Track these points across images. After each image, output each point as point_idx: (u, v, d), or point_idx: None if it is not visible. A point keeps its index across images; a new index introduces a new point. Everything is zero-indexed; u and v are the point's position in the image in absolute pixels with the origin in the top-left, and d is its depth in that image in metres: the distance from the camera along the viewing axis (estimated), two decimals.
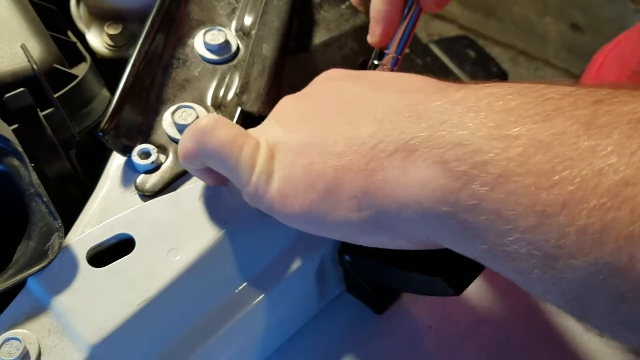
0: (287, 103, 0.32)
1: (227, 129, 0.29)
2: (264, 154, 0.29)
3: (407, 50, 0.40)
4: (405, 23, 0.36)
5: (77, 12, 0.45)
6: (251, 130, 0.31)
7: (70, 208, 0.33)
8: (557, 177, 0.20)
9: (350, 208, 0.26)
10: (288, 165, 0.28)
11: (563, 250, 0.20)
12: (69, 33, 0.41)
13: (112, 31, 0.42)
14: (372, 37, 0.36)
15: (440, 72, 0.86)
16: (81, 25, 0.44)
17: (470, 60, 0.87)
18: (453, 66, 0.86)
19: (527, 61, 1.64)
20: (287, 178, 0.28)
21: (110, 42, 0.42)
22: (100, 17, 0.43)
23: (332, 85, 0.31)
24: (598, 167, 0.19)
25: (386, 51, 0.36)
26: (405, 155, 0.24)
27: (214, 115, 0.32)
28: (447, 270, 0.30)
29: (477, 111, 0.23)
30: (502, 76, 0.90)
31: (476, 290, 0.38)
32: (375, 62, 0.36)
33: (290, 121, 0.30)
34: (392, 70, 0.36)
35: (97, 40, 0.42)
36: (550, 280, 0.21)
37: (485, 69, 0.89)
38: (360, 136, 0.26)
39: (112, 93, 0.39)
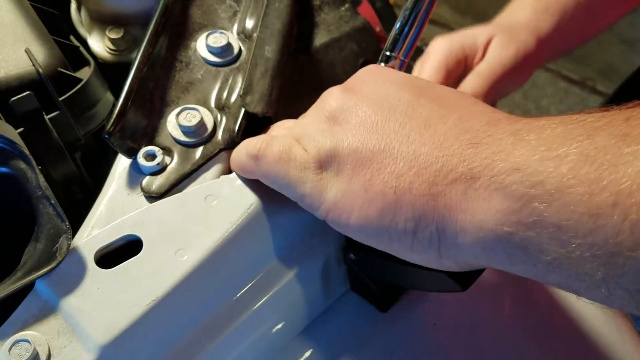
0: (336, 102, 0.31)
1: (274, 148, 0.31)
2: (312, 165, 0.30)
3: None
4: (413, 27, 0.37)
5: (77, 18, 0.45)
6: (299, 131, 0.31)
7: (76, 211, 0.34)
8: (605, 182, 0.22)
9: (406, 227, 0.28)
10: (345, 179, 0.29)
11: (622, 246, 0.22)
12: (72, 38, 0.41)
13: (113, 35, 0.42)
14: None
15: None
16: (82, 30, 0.44)
17: None
18: None
19: None
20: (343, 192, 0.29)
21: (111, 46, 0.42)
22: (102, 21, 0.43)
23: (383, 89, 0.30)
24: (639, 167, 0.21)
25: (393, 54, 0.36)
26: (467, 183, 0.26)
27: (265, 136, 0.33)
28: None
29: (529, 140, 0.25)
30: None
31: (481, 287, 0.38)
32: (382, 64, 0.37)
33: (343, 127, 0.30)
34: (404, 61, 0.37)
35: (99, 44, 0.42)
36: (614, 279, 0.22)
37: None
38: (420, 157, 0.27)
39: (115, 96, 0.40)
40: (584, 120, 0.25)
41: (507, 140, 0.26)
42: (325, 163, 0.30)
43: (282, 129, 0.35)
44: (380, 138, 0.29)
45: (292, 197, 0.32)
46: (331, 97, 0.32)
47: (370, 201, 0.28)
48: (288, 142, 0.31)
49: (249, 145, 0.33)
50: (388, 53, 0.36)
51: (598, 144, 0.23)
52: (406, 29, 0.36)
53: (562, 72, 1.63)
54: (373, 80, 0.32)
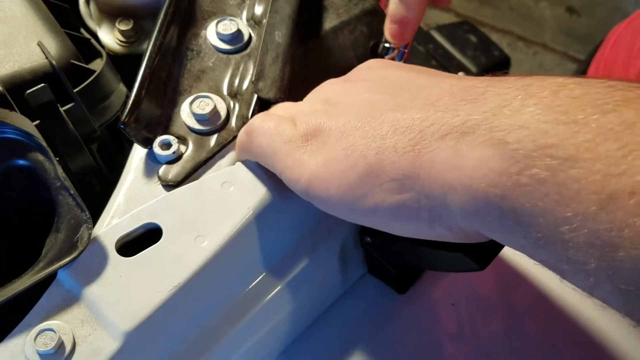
0: (333, 87, 0.31)
1: (266, 122, 0.31)
2: (299, 140, 0.29)
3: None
4: None
5: (86, 11, 0.45)
6: (295, 110, 0.31)
7: (94, 202, 0.34)
8: (626, 166, 0.19)
9: (390, 190, 0.25)
10: (327, 149, 0.28)
11: (625, 241, 0.19)
12: (82, 30, 0.41)
13: (123, 27, 0.42)
14: (391, 38, 0.37)
15: (443, 58, 0.87)
16: (91, 23, 0.44)
17: (472, 45, 0.88)
18: (455, 52, 0.87)
19: (526, 46, 1.64)
20: (325, 161, 0.28)
21: (121, 38, 0.42)
22: (111, 14, 0.43)
23: (379, 72, 0.31)
24: None
25: (392, 45, 0.37)
26: (458, 137, 0.23)
27: (261, 114, 0.33)
28: (469, 245, 0.30)
29: (542, 97, 0.22)
30: (504, 60, 0.90)
31: (499, 265, 0.38)
32: (387, 45, 0.37)
33: (336, 107, 0.29)
34: (404, 51, 0.37)
35: (109, 36, 0.43)
36: (606, 271, 0.20)
37: (487, 54, 0.89)
38: (409, 118, 0.25)
39: (128, 88, 0.40)
40: (613, 87, 0.21)
41: (514, 95, 0.23)
42: (312, 137, 0.29)
43: (282, 109, 0.34)
44: (370, 110, 0.27)
45: (275, 171, 0.31)
46: (329, 84, 0.32)
47: (351, 166, 0.26)
48: (280, 118, 0.31)
49: (245, 125, 0.33)
50: (387, 45, 0.37)
51: (627, 118, 0.20)
52: None
53: (569, 52, 1.62)
54: (371, 68, 0.31)
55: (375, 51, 0.41)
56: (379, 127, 0.26)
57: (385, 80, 0.29)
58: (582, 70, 0.76)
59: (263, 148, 0.31)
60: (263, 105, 0.36)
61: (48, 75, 0.34)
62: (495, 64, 0.88)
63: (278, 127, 0.30)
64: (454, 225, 0.25)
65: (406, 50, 0.37)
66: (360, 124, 0.27)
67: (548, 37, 1.66)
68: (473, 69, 0.86)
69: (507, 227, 0.23)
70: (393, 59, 0.37)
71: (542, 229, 0.21)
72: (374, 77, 0.30)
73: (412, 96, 0.27)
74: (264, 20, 0.39)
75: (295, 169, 0.29)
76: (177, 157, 0.34)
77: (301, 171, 0.28)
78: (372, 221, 0.28)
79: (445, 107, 0.25)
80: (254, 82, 0.36)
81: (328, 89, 0.31)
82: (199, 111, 0.35)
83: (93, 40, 0.39)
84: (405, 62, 0.38)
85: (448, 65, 0.87)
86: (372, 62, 0.33)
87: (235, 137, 0.36)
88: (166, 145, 0.34)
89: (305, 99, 0.33)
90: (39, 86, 0.33)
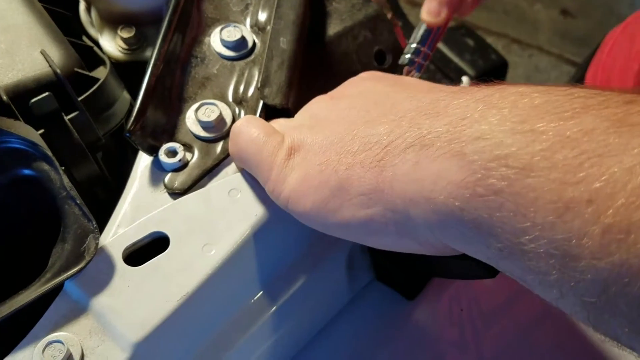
0: (319, 104, 0.32)
1: (253, 128, 0.31)
2: (283, 153, 0.29)
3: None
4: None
5: (87, 19, 0.45)
6: (282, 126, 0.32)
7: (100, 211, 0.33)
8: (583, 174, 0.19)
9: (359, 205, 0.26)
10: (305, 164, 0.28)
11: (585, 251, 0.19)
12: (84, 38, 0.41)
13: (125, 34, 0.42)
14: (435, 18, 0.37)
15: (440, 62, 0.87)
16: (93, 31, 0.44)
17: (469, 49, 0.88)
18: (453, 55, 0.87)
19: (521, 49, 1.65)
20: (302, 177, 0.28)
21: (124, 46, 0.42)
22: (113, 21, 0.43)
23: (363, 85, 0.32)
24: (628, 165, 0.18)
25: (418, 46, 0.38)
26: (418, 150, 0.24)
27: (247, 116, 0.33)
28: None
29: (501, 107, 0.22)
30: (502, 63, 0.90)
31: None
32: (413, 45, 0.38)
33: (320, 123, 0.30)
34: (423, 64, 0.38)
35: (111, 44, 0.42)
36: (569, 282, 0.19)
37: (485, 57, 0.90)
38: (377, 134, 0.26)
39: (132, 95, 0.39)
40: (572, 94, 0.21)
41: (475, 107, 0.23)
42: (295, 151, 0.29)
43: (276, 124, 0.34)
44: (346, 126, 0.28)
45: (260, 181, 0.31)
46: (317, 100, 0.33)
47: (324, 181, 0.27)
48: (269, 128, 0.31)
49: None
50: (414, 45, 0.38)
51: (585, 125, 0.20)
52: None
53: (564, 55, 1.63)
54: (355, 83, 0.32)
55: (379, 57, 0.41)
56: (351, 143, 0.27)
57: (364, 95, 0.30)
58: (580, 75, 0.76)
59: (248, 156, 0.31)
60: (269, 111, 0.36)
61: (52, 84, 0.34)
62: (492, 67, 0.88)
63: (266, 137, 0.30)
64: (421, 238, 0.25)
65: (425, 63, 0.38)
66: (336, 140, 0.28)
67: (543, 39, 1.66)
68: (471, 72, 0.86)
69: (470, 239, 0.23)
70: (412, 68, 0.38)
71: (502, 240, 0.21)
72: (356, 92, 0.31)
73: (385, 111, 0.28)
74: (269, 27, 0.38)
75: (277, 183, 0.29)
76: (183, 165, 0.34)
77: (282, 186, 0.29)
78: (347, 235, 0.28)
79: (410, 121, 0.25)
80: (260, 88, 0.36)
81: (315, 105, 0.33)
82: (204, 118, 0.35)
83: (96, 48, 0.39)
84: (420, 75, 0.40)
85: (446, 69, 0.87)
86: (358, 76, 0.34)
87: None
88: (172, 153, 0.34)
89: (296, 115, 0.34)
90: (43, 95, 0.32)
